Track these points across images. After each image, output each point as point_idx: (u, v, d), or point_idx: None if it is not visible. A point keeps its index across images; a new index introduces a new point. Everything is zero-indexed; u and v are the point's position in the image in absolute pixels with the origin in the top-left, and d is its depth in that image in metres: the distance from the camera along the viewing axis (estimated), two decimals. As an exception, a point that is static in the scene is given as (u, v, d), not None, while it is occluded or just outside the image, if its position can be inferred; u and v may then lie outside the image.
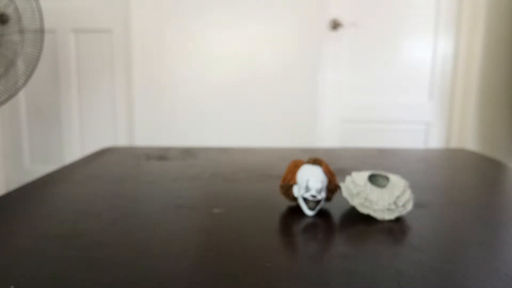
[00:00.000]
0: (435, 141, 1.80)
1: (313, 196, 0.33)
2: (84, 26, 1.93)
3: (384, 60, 1.61)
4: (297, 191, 0.34)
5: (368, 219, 0.33)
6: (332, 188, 0.34)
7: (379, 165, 0.53)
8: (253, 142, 1.61)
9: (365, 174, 0.35)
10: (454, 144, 1.81)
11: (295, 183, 0.34)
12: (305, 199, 0.33)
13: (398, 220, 0.33)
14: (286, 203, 0.37)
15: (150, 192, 0.41)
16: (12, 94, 1.40)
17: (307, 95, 1.66)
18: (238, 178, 0.47)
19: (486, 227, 0.32)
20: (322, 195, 0.33)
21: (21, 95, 1.97)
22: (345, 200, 0.36)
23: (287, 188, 0.36)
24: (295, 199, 0.36)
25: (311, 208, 0.33)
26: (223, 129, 1.89)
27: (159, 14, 1.90)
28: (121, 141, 1.98)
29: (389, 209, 0.33)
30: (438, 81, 1.60)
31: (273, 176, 0.49)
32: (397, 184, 0.34)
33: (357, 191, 0.33)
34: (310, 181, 0.33)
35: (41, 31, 1.40)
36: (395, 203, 0.33)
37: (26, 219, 0.32)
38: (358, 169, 0.49)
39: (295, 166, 0.35)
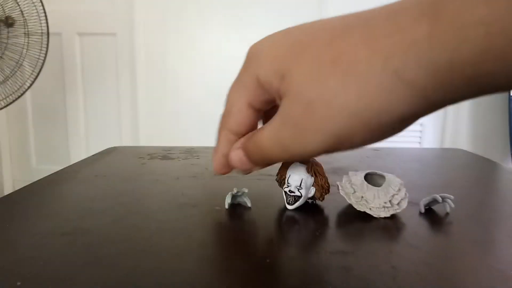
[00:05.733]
0: (429, 142, 1.80)
1: (291, 192, 0.35)
2: (89, 29, 1.95)
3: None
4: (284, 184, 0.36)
5: (364, 217, 0.34)
6: (319, 188, 0.35)
7: (375, 164, 0.54)
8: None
9: (362, 173, 0.35)
10: (448, 145, 1.80)
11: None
12: (285, 193, 0.35)
13: (394, 217, 0.34)
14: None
15: (153, 190, 0.42)
16: (19, 95, 1.42)
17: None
18: (239, 177, 0.48)
19: (479, 224, 0.33)
20: (302, 192, 0.34)
21: (28, 96, 1.99)
22: (342, 199, 0.37)
23: (280, 182, 0.38)
24: None
25: (288, 203, 0.35)
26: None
27: (162, 19, 1.92)
28: (126, 142, 2.00)
29: (384, 207, 0.33)
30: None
31: (272, 174, 0.50)
32: (393, 183, 0.34)
33: (354, 190, 0.34)
34: (290, 177, 0.35)
35: (46, 34, 1.41)
36: (390, 201, 0.33)
37: (32, 217, 0.33)
38: (355, 168, 0.50)
39: (288, 162, 0.36)
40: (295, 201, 0.35)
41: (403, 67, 0.15)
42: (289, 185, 0.35)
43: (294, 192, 0.34)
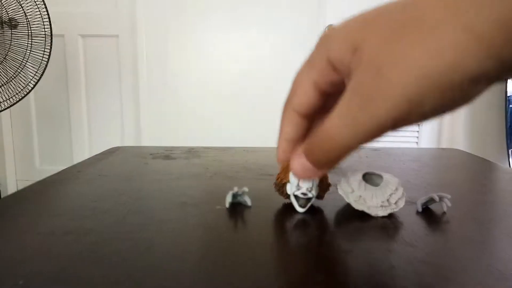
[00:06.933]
0: (426, 142, 1.80)
1: (304, 194, 0.34)
2: (92, 31, 1.96)
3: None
4: (289, 189, 0.35)
5: (362, 216, 0.34)
6: (324, 187, 0.35)
7: (373, 164, 0.54)
8: (253, 143, 1.62)
9: (360, 173, 0.36)
10: (445, 145, 1.81)
11: (288, 181, 0.36)
12: (296, 197, 0.35)
13: (391, 216, 0.34)
14: (284, 200, 0.39)
15: (155, 190, 0.42)
16: (22, 96, 1.43)
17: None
18: (239, 177, 0.48)
19: (476, 223, 0.33)
20: (313, 193, 0.34)
21: (31, 97, 2.00)
22: (340, 198, 0.37)
23: (280, 186, 0.37)
24: (289, 196, 0.37)
25: (301, 206, 0.35)
26: (225, 130, 1.90)
27: (164, 20, 1.92)
28: (128, 142, 2.01)
29: (382, 206, 0.34)
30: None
31: (273, 174, 0.50)
32: (390, 182, 0.35)
33: (352, 189, 0.35)
34: (300, 180, 0.34)
35: (49, 35, 1.42)
36: (388, 200, 0.34)
37: (35, 216, 0.33)
38: (354, 168, 0.50)
39: (289, 165, 0.36)
40: (307, 203, 0.35)
41: (475, 22, 0.15)
42: (300, 187, 0.34)
43: (306, 195, 0.34)
